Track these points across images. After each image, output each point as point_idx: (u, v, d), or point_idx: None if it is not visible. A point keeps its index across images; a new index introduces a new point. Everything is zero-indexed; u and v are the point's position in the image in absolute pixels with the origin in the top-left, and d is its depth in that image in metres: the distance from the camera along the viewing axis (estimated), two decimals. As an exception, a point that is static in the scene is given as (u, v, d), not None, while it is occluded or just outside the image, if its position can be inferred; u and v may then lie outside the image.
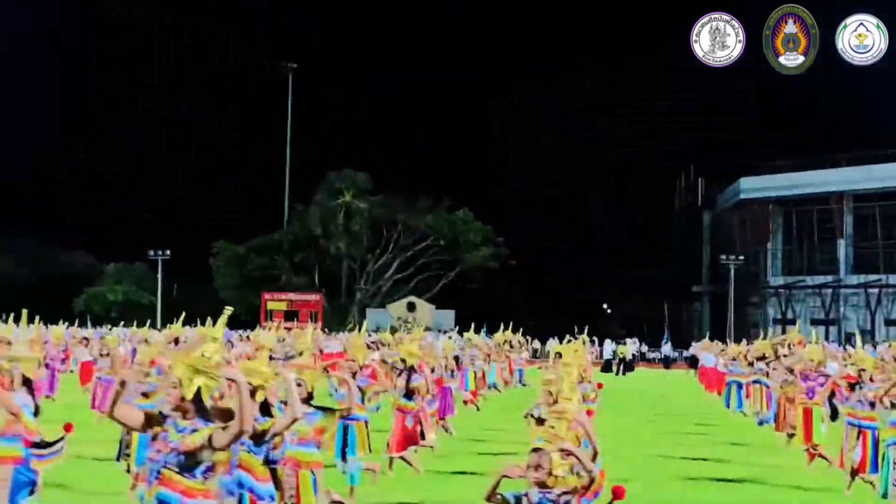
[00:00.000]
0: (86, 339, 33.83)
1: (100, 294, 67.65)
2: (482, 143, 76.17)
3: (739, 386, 21.83)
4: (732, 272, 58.49)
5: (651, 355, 55.67)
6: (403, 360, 13.86)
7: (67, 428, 8.84)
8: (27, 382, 8.54)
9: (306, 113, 72.50)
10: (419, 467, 12.77)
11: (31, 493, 8.31)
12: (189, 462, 5.59)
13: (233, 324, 52.83)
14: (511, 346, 32.41)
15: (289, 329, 42.97)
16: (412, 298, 60.47)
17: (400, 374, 13.79)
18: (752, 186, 66.22)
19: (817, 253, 64.61)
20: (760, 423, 19.03)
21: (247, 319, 57.88)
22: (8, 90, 70.90)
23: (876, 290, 60.52)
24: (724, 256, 59.75)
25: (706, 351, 32.72)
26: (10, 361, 8.53)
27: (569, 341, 16.24)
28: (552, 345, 46.91)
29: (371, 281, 67.87)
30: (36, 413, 8.49)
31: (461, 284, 66.15)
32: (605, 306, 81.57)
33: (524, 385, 31.12)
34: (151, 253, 60.97)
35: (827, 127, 63.66)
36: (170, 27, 79.47)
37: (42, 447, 8.43)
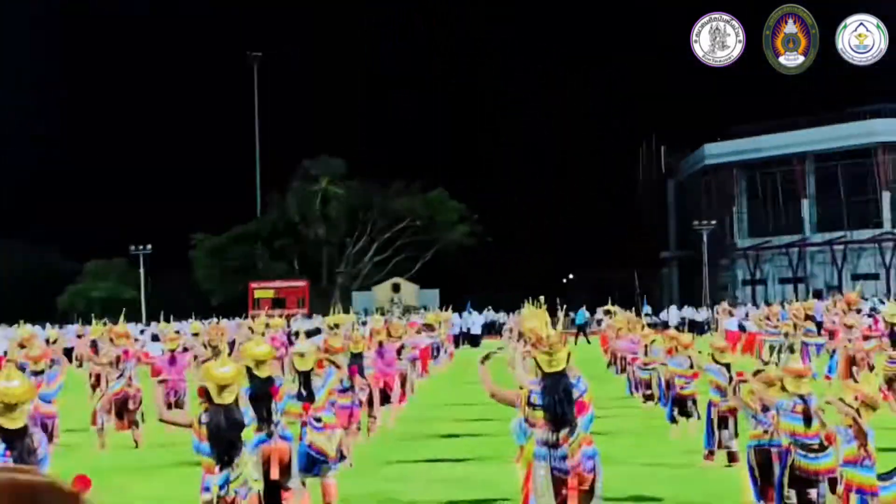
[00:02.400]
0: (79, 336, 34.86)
1: (82, 291, 68.05)
2: (453, 122, 77.41)
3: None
4: (705, 236, 60.27)
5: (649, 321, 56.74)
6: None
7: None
8: None
9: (274, 102, 73.15)
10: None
11: None
12: None
13: (218, 314, 53.88)
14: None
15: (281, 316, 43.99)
16: (397, 279, 61.66)
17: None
18: (716, 152, 68.17)
19: (782, 214, 66.64)
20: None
21: (229, 309, 58.82)
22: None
23: (841, 247, 62.68)
24: (696, 222, 61.51)
25: (727, 315, 33.32)
26: None
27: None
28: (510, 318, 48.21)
29: (351, 264, 68.97)
30: None
31: (440, 263, 67.43)
32: (571, 276, 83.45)
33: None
34: (133, 248, 61.47)
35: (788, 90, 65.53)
36: (137, 19, 79.70)
37: None
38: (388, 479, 11.80)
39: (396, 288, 60.39)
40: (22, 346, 14.86)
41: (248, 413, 7.50)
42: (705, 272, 60.67)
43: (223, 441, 7.05)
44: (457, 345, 40.57)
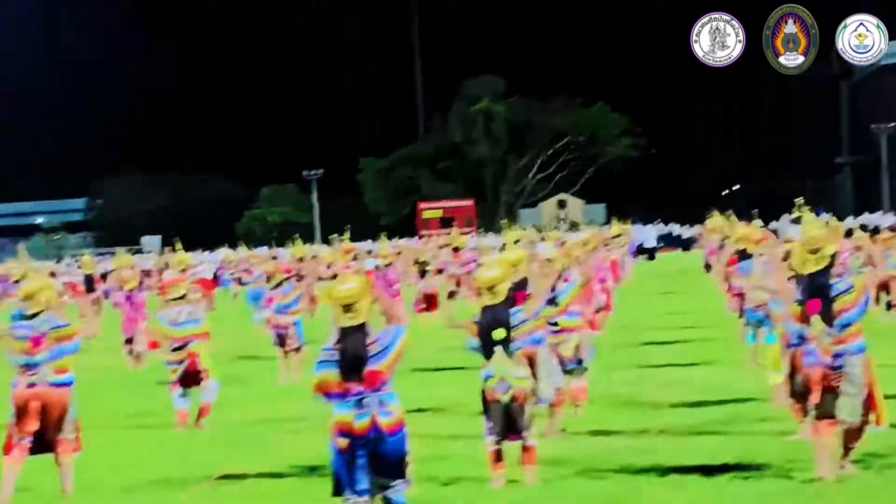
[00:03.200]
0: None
1: (259, 216, 70.70)
2: (608, 33, 75.93)
3: None
4: (884, 139, 57.84)
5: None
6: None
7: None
8: None
9: (433, 23, 73.34)
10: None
11: None
12: None
13: (388, 235, 55.24)
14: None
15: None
16: (562, 195, 61.79)
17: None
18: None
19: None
20: None
21: (398, 229, 60.25)
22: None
23: None
24: (874, 125, 58.98)
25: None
26: None
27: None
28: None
29: (514, 182, 69.34)
30: None
31: (604, 178, 67.10)
32: (735, 187, 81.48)
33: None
34: (305, 173, 63.43)
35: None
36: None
37: None
38: (623, 382, 12.14)
39: (562, 204, 60.56)
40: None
41: (515, 314, 7.93)
42: (884, 176, 58.30)
43: (486, 340, 7.58)
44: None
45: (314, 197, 64.30)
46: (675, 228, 49.59)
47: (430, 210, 60.19)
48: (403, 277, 21.06)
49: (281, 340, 13.99)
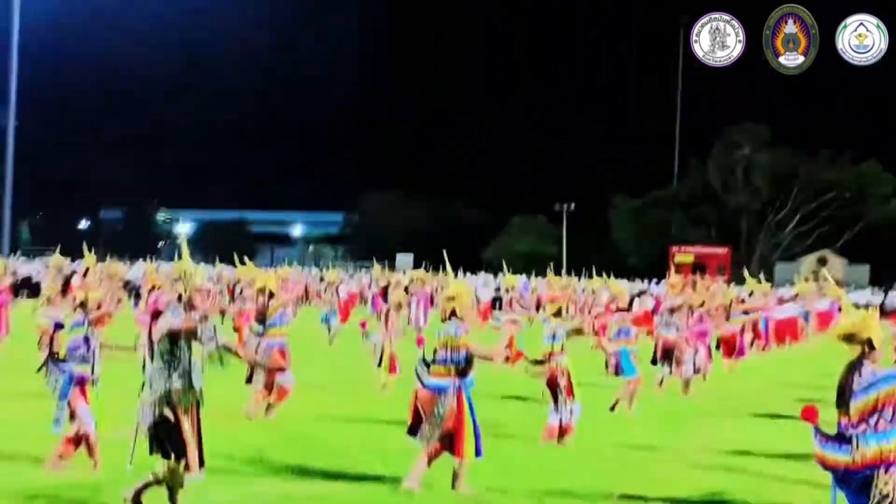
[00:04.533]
0: None
1: (506, 244, 71.81)
2: (885, 89, 72.53)
3: None
4: None
5: None
6: None
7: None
8: None
9: (698, 67, 72.36)
10: None
11: None
12: None
13: (633, 276, 54.74)
14: None
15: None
16: (823, 252, 59.34)
17: None
18: None
19: None
20: None
21: (645, 271, 59.58)
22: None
23: None
24: None
25: None
26: None
27: None
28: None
29: (771, 234, 67.20)
30: None
31: (868, 238, 63.93)
32: None
33: None
34: (556, 206, 63.96)
35: None
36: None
37: None
38: None
39: (823, 261, 58.17)
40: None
41: None
42: None
43: None
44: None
45: (563, 229, 64.67)
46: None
47: (682, 254, 59.23)
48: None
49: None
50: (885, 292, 47.92)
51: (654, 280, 51.48)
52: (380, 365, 14.89)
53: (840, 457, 6.20)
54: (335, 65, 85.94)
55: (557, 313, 11.29)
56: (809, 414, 6.32)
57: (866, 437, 6.05)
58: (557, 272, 58.75)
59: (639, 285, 40.29)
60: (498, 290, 38.68)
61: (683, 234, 67.59)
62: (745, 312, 21.87)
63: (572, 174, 70.61)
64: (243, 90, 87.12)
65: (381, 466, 9.44)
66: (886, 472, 5.94)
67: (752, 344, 23.01)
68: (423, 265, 42.98)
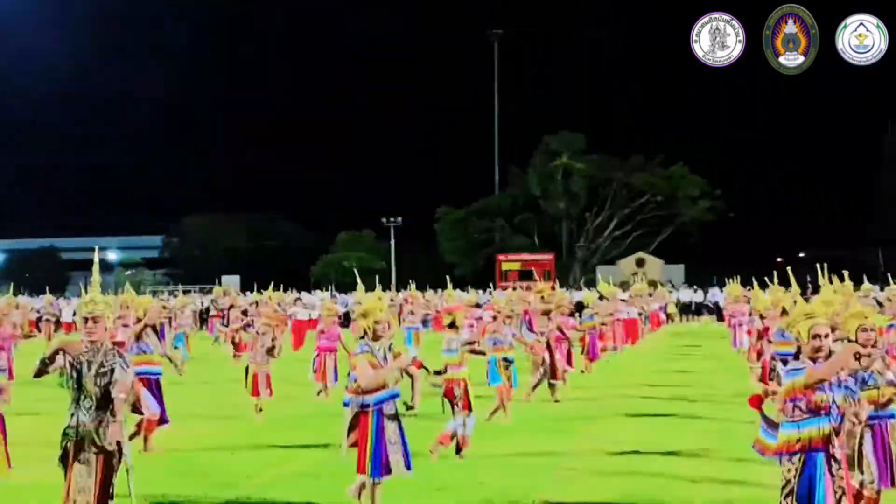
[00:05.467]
0: (299, 299, 37.30)
1: (334, 261, 71.39)
2: (691, 98, 76.33)
3: None
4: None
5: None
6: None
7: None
8: None
9: (512, 79, 74.22)
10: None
11: None
12: None
13: (461, 286, 55.51)
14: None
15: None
16: (641, 254, 61.70)
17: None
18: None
19: None
20: None
21: (472, 280, 60.48)
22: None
23: None
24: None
25: None
26: None
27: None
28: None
29: (590, 239, 69.39)
30: None
31: (679, 240, 66.93)
32: (801, 254, 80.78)
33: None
34: (384, 220, 64.08)
35: None
36: None
37: None
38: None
39: (640, 263, 60.45)
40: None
41: None
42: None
43: None
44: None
45: (392, 244, 64.87)
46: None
47: (509, 262, 60.44)
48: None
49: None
50: (705, 291, 50.21)
51: (483, 290, 52.34)
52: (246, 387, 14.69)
53: (769, 442, 6.46)
54: (140, 83, 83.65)
55: (452, 325, 11.27)
56: (755, 402, 6.57)
57: (784, 425, 6.31)
58: (386, 287, 59.02)
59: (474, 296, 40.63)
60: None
61: (508, 242, 68.99)
62: (592, 316, 22.47)
63: (397, 188, 71.07)
64: (49, 114, 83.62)
65: (295, 492, 9.26)
66: (790, 459, 6.19)
67: (604, 347, 23.65)
68: (254, 287, 42.12)
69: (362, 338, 8.38)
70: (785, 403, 6.36)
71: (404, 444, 8.33)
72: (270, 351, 14.53)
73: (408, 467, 8.32)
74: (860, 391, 7.06)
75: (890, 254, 71.74)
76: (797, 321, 6.36)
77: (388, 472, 8.24)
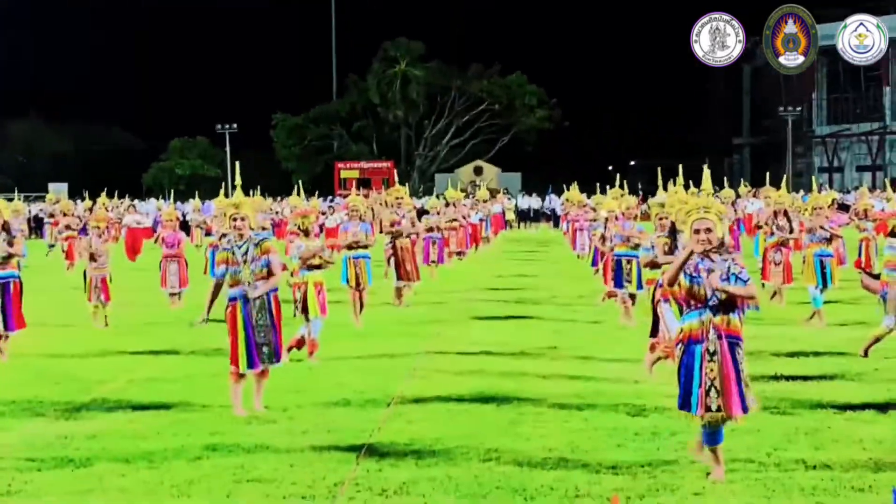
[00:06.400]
0: (132, 206, 36.74)
1: (167, 168, 69.35)
2: (530, 5, 76.64)
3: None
4: (790, 122, 60.05)
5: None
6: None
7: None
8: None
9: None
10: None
11: None
12: None
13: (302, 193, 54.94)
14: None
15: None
16: (479, 162, 62.38)
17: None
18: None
19: (863, 101, 66.29)
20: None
21: (311, 187, 59.83)
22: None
23: (923, 136, 62.57)
24: (781, 108, 61.12)
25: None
26: None
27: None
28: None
29: (429, 147, 69.63)
30: None
31: (516, 148, 67.94)
32: (632, 163, 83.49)
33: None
34: (219, 126, 62.41)
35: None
36: None
37: None
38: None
39: (478, 170, 61.18)
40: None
41: None
42: (789, 158, 60.57)
43: None
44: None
45: (227, 150, 63.38)
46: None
47: (348, 170, 60.18)
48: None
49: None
50: (542, 198, 51.33)
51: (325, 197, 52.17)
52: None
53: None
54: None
55: (306, 232, 11.22)
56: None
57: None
58: (226, 194, 57.87)
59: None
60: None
61: (346, 149, 68.52)
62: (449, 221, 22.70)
63: (233, 95, 69.01)
64: None
65: (151, 395, 9.20)
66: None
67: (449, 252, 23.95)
68: (84, 195, 40.55)
69: (224, 236, 8.50)
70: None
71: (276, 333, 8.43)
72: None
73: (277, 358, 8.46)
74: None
75: (715, 161, 74.91)
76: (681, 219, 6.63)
77: (262, 363, 8.39)
